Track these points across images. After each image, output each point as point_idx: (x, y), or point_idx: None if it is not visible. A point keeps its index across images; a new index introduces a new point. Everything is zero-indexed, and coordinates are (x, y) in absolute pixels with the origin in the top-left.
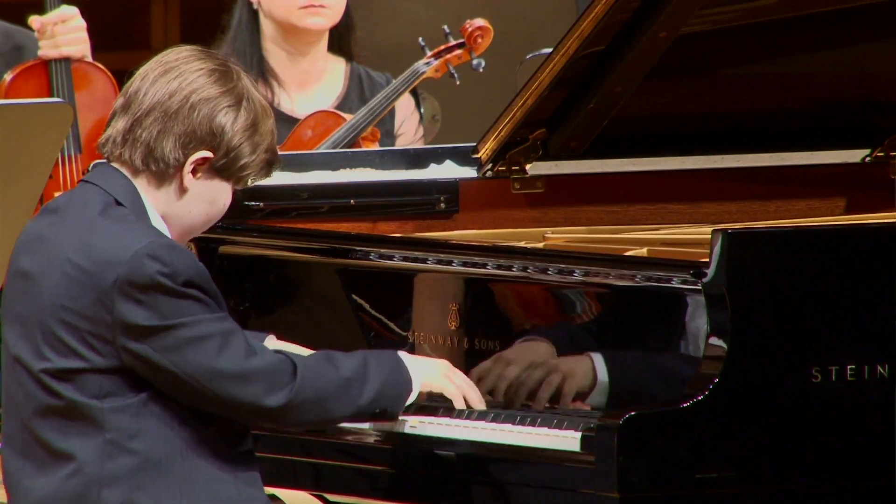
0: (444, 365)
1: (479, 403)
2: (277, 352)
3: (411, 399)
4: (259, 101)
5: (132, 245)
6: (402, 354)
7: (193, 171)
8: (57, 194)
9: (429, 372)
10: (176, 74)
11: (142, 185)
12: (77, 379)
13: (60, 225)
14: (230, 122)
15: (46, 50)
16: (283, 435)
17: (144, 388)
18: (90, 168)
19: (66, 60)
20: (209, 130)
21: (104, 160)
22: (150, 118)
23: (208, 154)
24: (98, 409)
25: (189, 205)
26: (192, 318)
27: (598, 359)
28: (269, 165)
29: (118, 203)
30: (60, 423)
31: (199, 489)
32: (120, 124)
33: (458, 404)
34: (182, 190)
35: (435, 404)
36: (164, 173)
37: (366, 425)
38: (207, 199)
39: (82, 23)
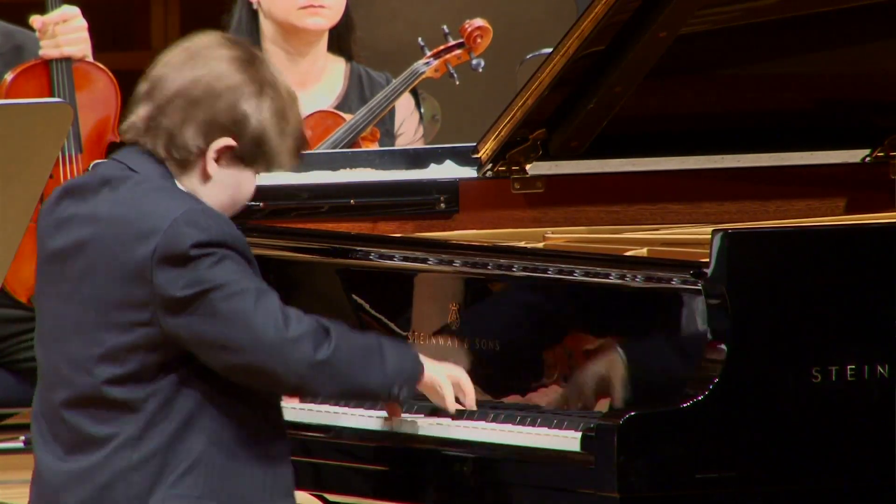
0: (447, 365)
1: (473, 404)
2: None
3: (421, 381)
4: (284, 88)
5: (169, 214)
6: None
7: (217, 159)
8: None
9: (434, 366)
10: (201, 62)
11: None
12: (121, 360)
13: (94, 201)
14: (253, 110)
15: (48, 50)
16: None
17: (176, 371)
18: (90, 168)
19: (68, 60)
20: (231, 118)
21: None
22: (172, 106)
23: (231, 142)
24: (135, 394)
25: (214, 191)
26: (230, 278)
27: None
28: (297, 151)
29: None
30: (97, 411)
31: (224, 476)
32: (142, 111)
33: (450, 406)
34: (206, 176)
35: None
36: (187, 161)
37: (368, 424)
38: (232, 185)
39: (84, 23)
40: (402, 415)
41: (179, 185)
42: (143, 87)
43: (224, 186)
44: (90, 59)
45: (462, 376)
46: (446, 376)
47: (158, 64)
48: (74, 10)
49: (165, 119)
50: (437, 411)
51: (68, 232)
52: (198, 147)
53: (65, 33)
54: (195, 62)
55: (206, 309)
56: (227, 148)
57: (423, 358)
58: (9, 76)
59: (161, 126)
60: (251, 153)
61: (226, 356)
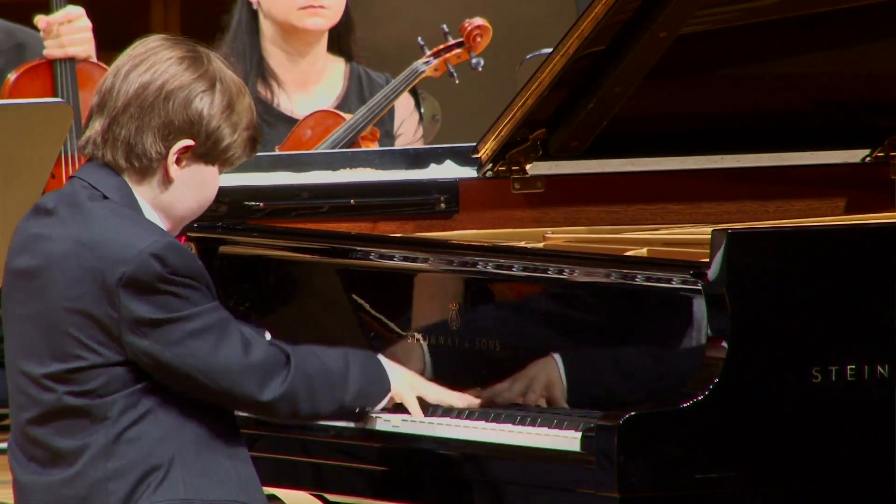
0: (411, 374)
1: (459, 403)
2: (270, 343)
3: (384, 402)
4: (232, 80)
5: (137, 243)
6: (381, 357)
7: (177, 161)
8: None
9: (401, 380)
10: (147, 66)
11: (129, 181)
12: (82, 377)
13: (58, 223)
14: (206, 107)
15: (52, 50)
16: (282, 434)
17: (144, 379)
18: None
19: (71, 60)
20: (186, 119)
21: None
22: (126, 115)
23: (189, 142)
24: (100, 405)
25: (178, 193)
26: (193, 310)
27: (558, 359)
28: (253, 142)
29: (108, 199)
30: (64, 424)
31: (201, 472)
32: (97, 125)
33: (417, 415)
34: (168, 180)
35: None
36: (148, 168)
37: (368, 424)
38: (195, 185)
39: (88, 23)
40: (401, 415)
41: (140, 196)
42: (94, 100)
43: (187, 187)
44: (94, 59)
45: (425, 389)
46: (412, 387)
47: (107, 75)
48: (79, 11)
49: (121, 129)
50: (437, 411)
51: (32, 252)
52: (157, 152)
53: (69, 33)
54: (142, 67)
55: (173, 338)
56: (186, 149)
57: (391, 373)
58: (12, 76)
59: (118, 137)
60: (210, 150)
61: (189, 386)
